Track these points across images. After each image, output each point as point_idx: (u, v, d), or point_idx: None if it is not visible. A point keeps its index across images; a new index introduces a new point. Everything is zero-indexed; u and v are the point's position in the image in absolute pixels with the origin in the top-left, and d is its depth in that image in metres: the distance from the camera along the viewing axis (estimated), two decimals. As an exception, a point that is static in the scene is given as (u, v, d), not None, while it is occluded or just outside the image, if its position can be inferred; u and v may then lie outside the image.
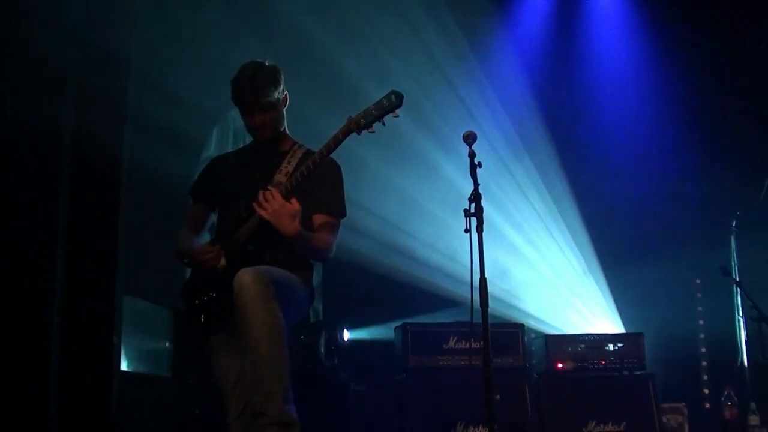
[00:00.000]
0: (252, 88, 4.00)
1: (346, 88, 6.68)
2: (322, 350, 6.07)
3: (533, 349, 6.66)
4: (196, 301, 4.01)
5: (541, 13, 8.27)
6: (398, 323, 6.31)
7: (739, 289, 6.58)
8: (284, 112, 4.16)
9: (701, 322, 7.73)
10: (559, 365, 6.35)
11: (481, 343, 4.00)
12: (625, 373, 6.42)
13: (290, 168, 4.02)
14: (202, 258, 3.98)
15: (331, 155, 3.91)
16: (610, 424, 6.13)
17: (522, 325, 6.46)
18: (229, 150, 5.28)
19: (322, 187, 4.06)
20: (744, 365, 6.53)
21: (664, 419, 6.47)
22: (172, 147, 5.78)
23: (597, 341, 6.48)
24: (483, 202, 4.06)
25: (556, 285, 7.69)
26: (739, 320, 6.59)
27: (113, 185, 4.56)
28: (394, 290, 7.12)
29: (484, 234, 4.03)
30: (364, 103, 3.84)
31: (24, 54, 4.19)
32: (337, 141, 3.84)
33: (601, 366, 6.40)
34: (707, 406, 7.47)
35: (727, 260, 6.68)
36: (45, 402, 4.13)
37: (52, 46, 4.27)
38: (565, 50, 8.16)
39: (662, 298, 7.41)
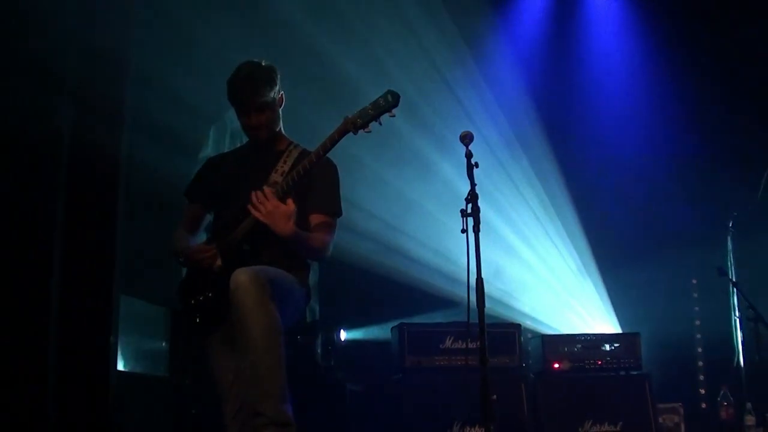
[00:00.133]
0: (248, 88, 4.00)
1: (343, 88, 6.67)
2: (319, 350, 6.07)
3: (530, 349, 6.68)
4: (192, 301, 4.01)
5: (537, 14, 8.28)
6: (395, 323, 6.31)
7: (735, 290, 6.58)
8: (280, 112, 4.16)
9: (698, 322, 7.74)
10: (556, 365, 6.36)
11: (478, 343, 4.00)
12: (622, 373, 6.43)
13: (286, 168, 4.03)
14: (199, 257, 3.98)
15: (327, 155, 3.91)
16: (606, 424, 6.14)
17: (518, 325, 6.46)
18: (226, 150, 5.28)
19: (319, 187, 4.06)
20: (740, 365, 6.53)
21: (661, 419, 6.48)
22: (170, 147, 5.77)
23: (593, 341, 6.49)
24: (480, 203, 4.07)
25: (552, 285, 7.70)
26: (735, 320, 6.59)
27: (111, 185, 4.58)
28: (391, 290, 7.11)
29: (480, 234, 4.05)
30: (360, 102, 3.85)
31: (23, 54, 4.20)
32: (333, 141, 3.84)
33: (597, 366, 6.41)
34: (703, 406, 7.48)
35: (723, 260, 6.68)
36: (42, 402, 4.13)
37: (51, 46, 4.27)
38: (562, 50, 8.17)
39: (659, 298, 7.42)
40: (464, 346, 6.02)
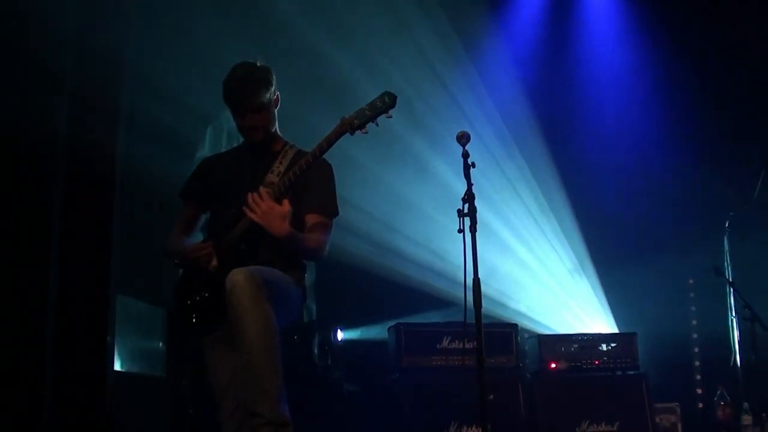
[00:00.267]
0: (244, 89, 4.00)
1: (339, 89, 6.68)
2: (316, 350, 6.07)
3: (526, 349, 6.67)
4: (189, 301, 4.00)
5: (534, 15, 8.28)
6: (392, 323, 6.31)
7: (732, 289, 6.59)
8: (276, 113, 4.15)
9: (694, 322, 7.75)
10: (552, 365, 6.37)
11: (475, 343, 4.00)
12: (618, 373, 6.44)
13: (282, 168, 4.03)
14: (195, 255, 3.97)
15: (323, 155, 3.91)
16: (603, 423, 6.15)
17: (515, 325, 6.48)
18: (223, 150, 5.28)
19: (315, 187, 4.06)
20: (737, 365, 6.55)
21: (657, 419, 6.49)
22: (167, 147, 5.77)
23: (590, 341, 6.50)
24: (476, 203, 4.07)
25: (549, 285, 7.71)
26: (732, 320, 6.61)
27: (108, 185, 4.58)
28: (387, 290, 7.11)
29: (477, 234, 4.05)
30: (357, 103, 3.84)
31: (20, 54, 4.20)
32: (330, 142, 3.84)
33: (594, 366, 6.42)
34: (700, 405, 7.49)
35: (720, 260, 6.70)
36: (40, 402, 4.13)
37: (48, 46, 4.27)
38: (558, 50, 8.17)
39: (655, 298, 7.41)
40: (461, 346, 6.02)
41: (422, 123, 7.26)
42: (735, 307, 6.58)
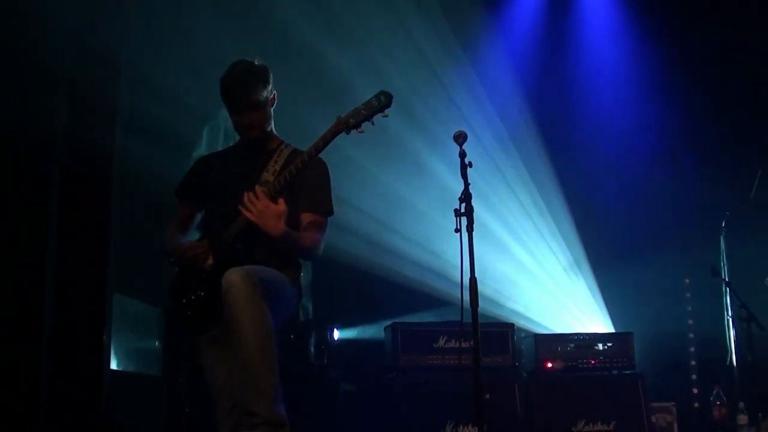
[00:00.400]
0: (241, 87, 4.00)
1: (336, 87, 6.68)
2: (312, 349, 6.07)
3: (523, 348, 6.68)
4: (184, 300, 4.00)
5: (531, 13, 8.29)
6: (388, 322, 6.32)
7: (728, 289, 6.61)
8: (272, 112, 4.16)
9: (690, 321, 7.76)
10: (549, 365, 6.37)
11: (471, 342, 4.01)
12: (615, 372, 6.45)
13: (277, 167, 4.03)
14: (191, 253, 3.97)
15: (319, 154, 3.91)
16: (599, 423, 6.16)
17: (512, 325, 6.49)
18: (220, 149, 5.28)
19: (310, 186, 4.06)
20: (733, 365, 6.56)
21: (653, 419, 6.50)
22: (164, 146, 5.77)
23: (586, 341, 6.50)
24: (473, 202, 4.08)
25: (545, 284, 7.71)
26: (728, 320, 6.63)
27: (105, 184, 4.58)
28: (384, 289, 7.12)
29: (474, 233, 4.05)
30: (354, 103, 3.85)
31: (20, 54, 4.20)
32: (325, 141, 3.84)
33: (590, 365, 6.43)
34: (696, 405, 7.50)
35: (716, 260, 6.72)
36: (35, 400, 4.13)
37: (48, 46, 4.27)
38: (555, 49, 8.18)
39: (652, 298, 7.42)
40: (457, 345, 6.03)
41: (420, 123, 7.26)
42: (731, 306, 6.59)
